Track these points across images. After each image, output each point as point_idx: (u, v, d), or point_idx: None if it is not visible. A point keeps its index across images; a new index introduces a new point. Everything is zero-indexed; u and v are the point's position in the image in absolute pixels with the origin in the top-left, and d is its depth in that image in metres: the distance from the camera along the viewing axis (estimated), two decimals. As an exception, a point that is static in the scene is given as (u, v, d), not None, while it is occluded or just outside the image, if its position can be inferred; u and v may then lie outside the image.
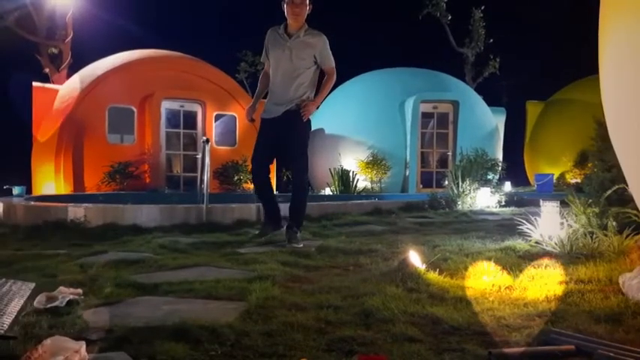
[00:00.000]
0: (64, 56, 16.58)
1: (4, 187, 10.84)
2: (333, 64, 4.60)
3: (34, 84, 12.99)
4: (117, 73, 12.72)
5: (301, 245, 4.37)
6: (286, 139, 4.56)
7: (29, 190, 12.01)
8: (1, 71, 16.13)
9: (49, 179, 12.17)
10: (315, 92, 4.69)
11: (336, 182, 11.95)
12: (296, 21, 4.50)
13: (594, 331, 2.11)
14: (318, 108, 4.76)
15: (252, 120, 4.77)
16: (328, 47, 4.57)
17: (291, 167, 4.77)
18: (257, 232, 4.81)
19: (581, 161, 14.64)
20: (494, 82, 21.63)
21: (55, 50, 16.65)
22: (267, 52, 4.66)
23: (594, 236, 3.73)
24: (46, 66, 16.39)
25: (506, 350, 1.91)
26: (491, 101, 16.02)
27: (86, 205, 6.14)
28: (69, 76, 14.98)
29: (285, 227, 4.64)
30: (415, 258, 3.22)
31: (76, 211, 5.73)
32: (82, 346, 1.78)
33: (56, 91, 13.17)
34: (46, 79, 15.79)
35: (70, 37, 16.66)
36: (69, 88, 13.00)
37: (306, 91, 4.55)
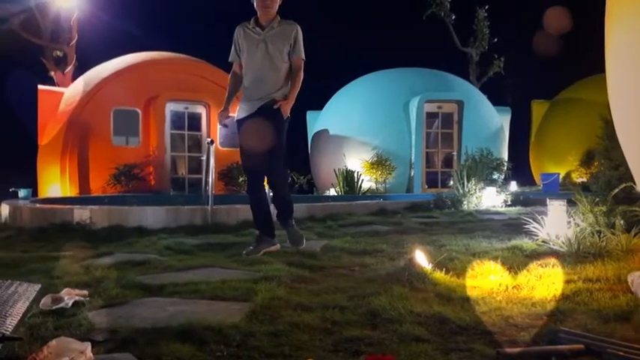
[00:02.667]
0: (69, 59, 16.63)
1: (10, 190, 10.87)
2: (304, 57, 4.27)
3: (40, 87, 13.03)
4: (121, 76, 12.75)
5: (304, 245, 4.28)
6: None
7: (35, 193, 12.05)
8: (7, 74, 16.19)
9: (55, 181, 12.21)
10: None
11: (341, 183, 11.93)
12: (267, 14, 4.20)
13: (603, 330, 2.09)
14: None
15: (225, 126, 4.42)
16: (301, 38, 4.27)
17: (269, 165, 4.25)
18: (250, 247, 4.17)
19: (587, 160, 14.57)
20: (499, 82, 21.55)
21: (59, 53, 16.70)
22: (238, 49, 4.31)
23: (602, 235, 3.70)
24: (51, 69, 16.44)
25: (515, 350, 1.89)
26: (496, 101, 15.96)
27: (91, 207, 6.15)
28: (74, 78, 15.02)
29: (285, 228, 4.41)
30: (421, 258, 3.20)
31: (81, 213, 5.74)
32: (88, 347, 1.78)
33: (61, 94, 13.21)
34: (51, 82, 15.85)
35: (74, 40, 16.71)
36: (74, 90, 13.04)
37: (282, 86, 4.22)
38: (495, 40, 21.17)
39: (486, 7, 21.08)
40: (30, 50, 16.34)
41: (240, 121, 4.29)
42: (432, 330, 2.14)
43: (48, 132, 12.70)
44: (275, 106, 4.14)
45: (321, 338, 2.05)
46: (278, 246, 4.26)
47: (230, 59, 4.39)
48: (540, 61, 22.27)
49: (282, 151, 4.24)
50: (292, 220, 4.42)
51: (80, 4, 16.54)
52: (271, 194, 4.60)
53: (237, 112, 4.36)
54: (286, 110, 4.18)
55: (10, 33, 15.34)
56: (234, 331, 2.09)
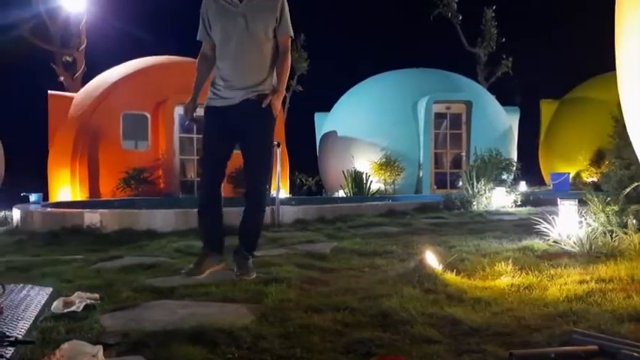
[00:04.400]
0: (79, 64, 16.77)
1: (21, 195, 10.96)
2: (292, 33, 3.50)
3: (50, 92, 13.13)
4: (130, 80, 12.82)
5: (253, 276, 3.23)
6: (244, 137, 3.44)
7: (46, 197, 12.14)
8: (17, 79, 16.36)
9: (65, 185, 12.30)
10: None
11: (350, 184, 11.93)
12: None
13: (617, 331, 2.06)
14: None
15: (194, 121, 3.67)
16: (288, 10, 3.47)
17: (247, 175, 3.47)
18: (191, 265, 3.42)
19: (597, 159, 14.47)
20: (508, 82, 21.44)
21: (69, 58, 16.84)
22: (208, 26, 3.47)
23: (614, 234, 3.67)
24: (60, 74, 16.59)
25: (528, 351, 1.88)
26: (505, 101, 15.89)
27: (102, 210, 6.18)
28: (83, 83, 15.14)
29: (233, 252, 3.46)
30: (432, 259, 3.19)
31: (92, 217, 5.78)
32: (100, 350, 1.78)
33: (71, 99, 13.30)
34: (61, 86, 15.98)
35: (83, 46, 16.86)
36: (83, 95, 13.13)
37: (269, 74, 3.44)
38: (503, 40, 21.08)
39: (494, 7, 21.01)
40: (40, 56, 16.51)
41: (213, 110, 3.48)
42: (444, 331, 2.13)
43: (58, 136, 12.78)
44: (264, 104, 3.36)
45: (332, 340, 2.04)
46: (223, 264, 3.47)
47: (198, 37, 3.57)
48: (549, 60, 22.14)
49: (268, 156, 3.50)
50: (250, 254, 3.43)
51: (89, 9, 16.68)
52: (243, 209, 3.55)
53: (209, 95, 3.54)
54: (278, 106, 3.42)
55: (20, 39, 15.49)
56: (245, 333, 2.09)
